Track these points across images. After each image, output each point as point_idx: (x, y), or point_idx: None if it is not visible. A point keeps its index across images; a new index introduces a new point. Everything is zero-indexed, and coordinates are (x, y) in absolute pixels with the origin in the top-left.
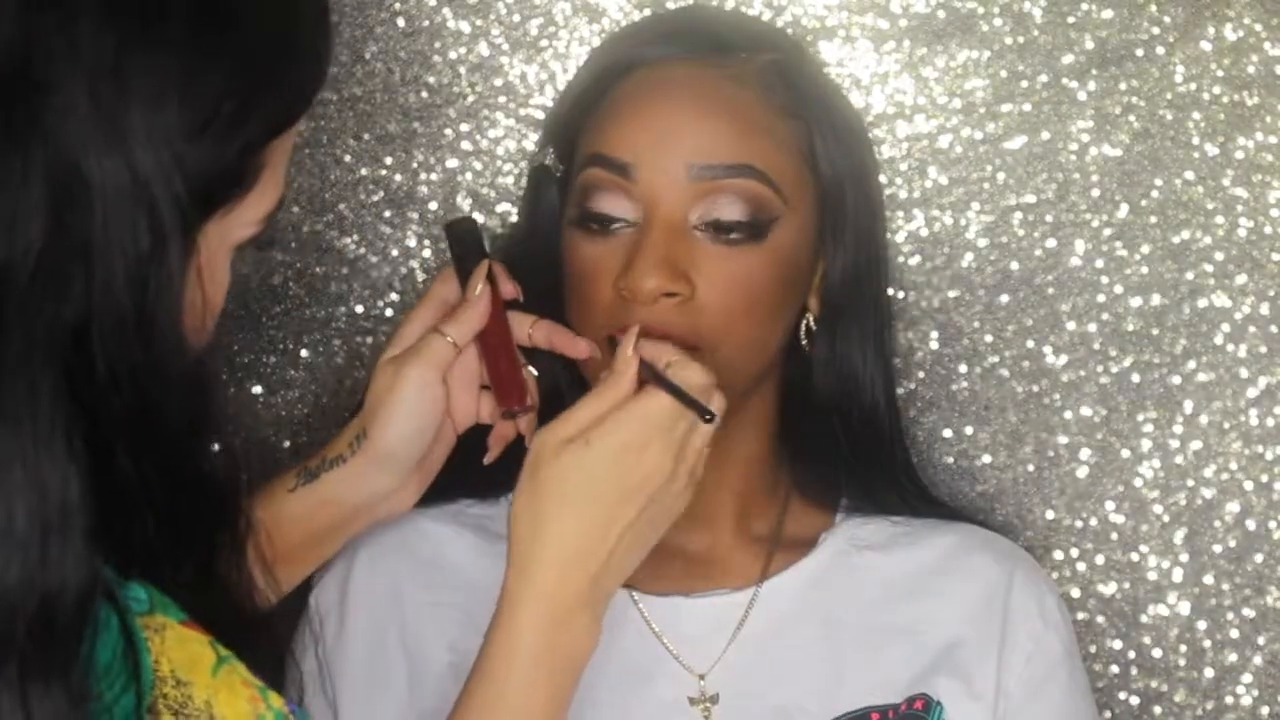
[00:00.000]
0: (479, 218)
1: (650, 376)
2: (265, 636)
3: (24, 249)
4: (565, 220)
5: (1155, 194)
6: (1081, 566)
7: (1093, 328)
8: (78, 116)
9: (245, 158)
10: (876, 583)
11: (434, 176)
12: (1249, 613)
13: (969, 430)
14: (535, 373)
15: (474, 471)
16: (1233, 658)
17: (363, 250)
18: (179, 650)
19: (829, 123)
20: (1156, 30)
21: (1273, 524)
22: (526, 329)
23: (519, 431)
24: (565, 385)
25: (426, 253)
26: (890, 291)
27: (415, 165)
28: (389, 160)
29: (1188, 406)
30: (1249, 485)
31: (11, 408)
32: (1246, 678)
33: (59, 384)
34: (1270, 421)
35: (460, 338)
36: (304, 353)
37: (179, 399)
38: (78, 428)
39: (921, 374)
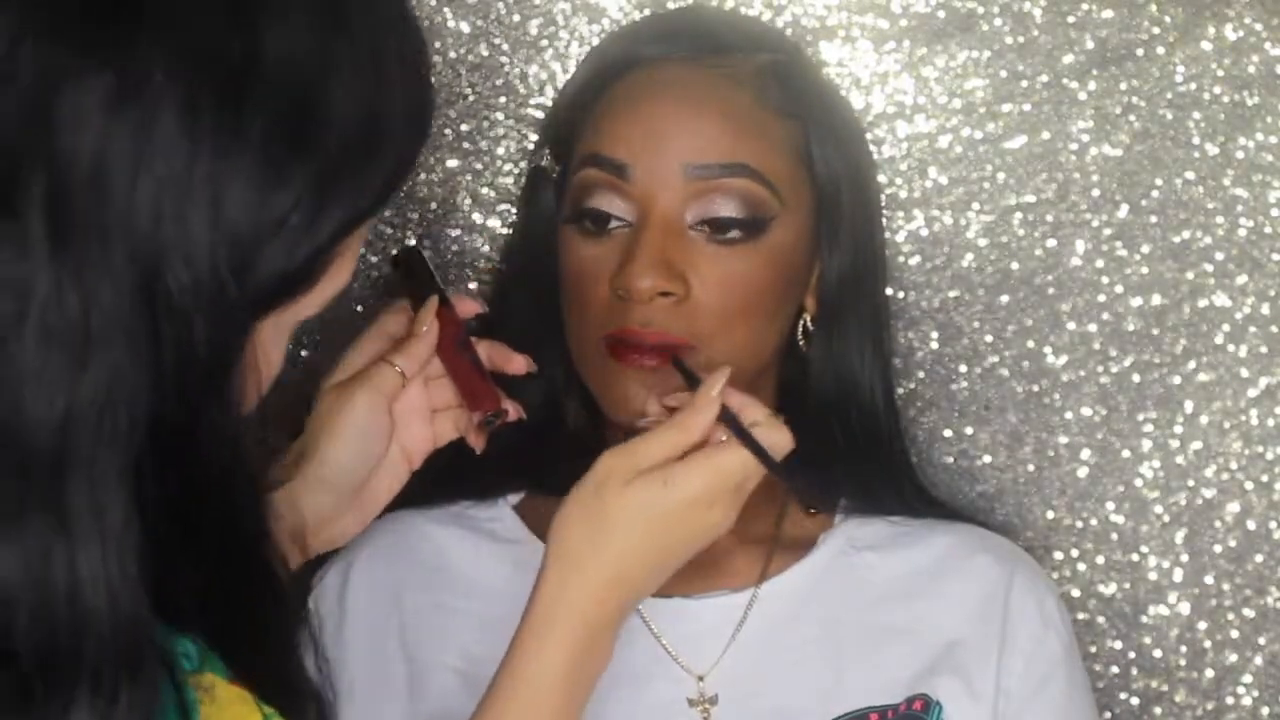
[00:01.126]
0: (478, 218)
1: (734, 430)
2: (312, 708)
3: (99, 374)
4: (561, 220)
5: (1155, 194)
6: (1082, 567)
7: (1093, 328)
8: (145, 230)
9: (315, 259)
10: (875, 583)
11: (434, 176)
12: (1249, 613)
13: (969, 430)
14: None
15: (473, 473)
16: (1233, 658)
17: (363, 250)
18: (226, 712)
19: (826, 123)
20: (1157, 30)
21: (1273, 524)
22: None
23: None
24: (562, 390)
25: (426, 253)
26: (890, 291)
27: (415, 165)
28: None
29: (1188, 406)
30: (1249, 485)
31: (85, 535)
32: (1247, 678)
33: (129, 503)
34: (1271, 421)
35: (409, 368)
36: (304, 353)
37: (236, 504)
38: (145, 548)
39: (921, 374)
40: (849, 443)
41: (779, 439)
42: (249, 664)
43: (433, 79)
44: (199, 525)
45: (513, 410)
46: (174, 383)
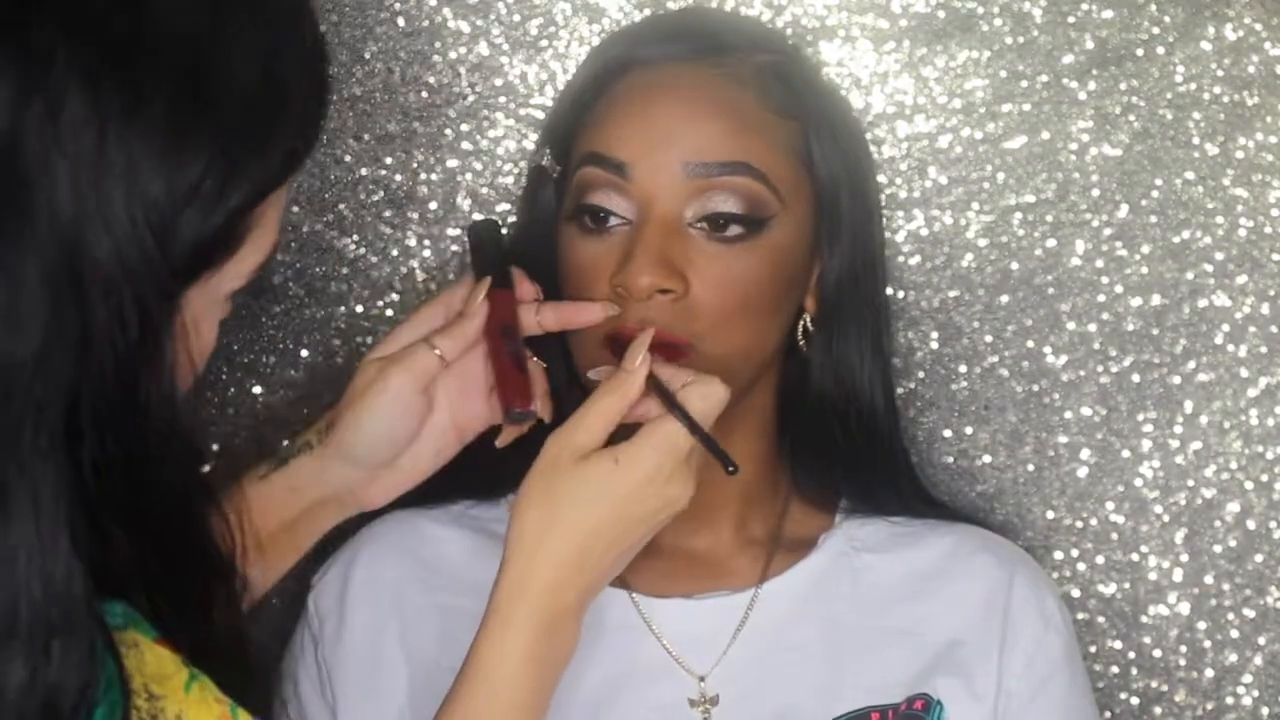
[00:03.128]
0: (478, 218)
1: (660, 396)
2: (241, 662)
3: (26, 350)
4: (561, 219)
5: (1155, 194)
6: (1081, 567)
7: (1093, 328)
8: (65, 208)
9: (230, 224)
10: (876, 584)
11: (434, 176)
12: (1249, 613)
13: (969, 430)
14: (543, 365)
15: (475, 472)
16: (1233, 658)
17: (363, 250)
18: (152, 666)
19: (826, 124)
20: (1156, 30)
21: (1273, 524)
22: (534, 318)
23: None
24: (564, 389)
25: (426, 252)
26: (890, 291)
27: (415, 165)
28: (389, 160)
29: (1188, 406)
30: (1249, 485)
31: (17, 503)
32: (1247, 678)
33: (60, 473)
34: (1270, 421)
35: (449, 352)
36: (304, 353)
37: (174, 471)
38: (80, 514)
39: (921, 374)
40: (848, 443)
41: (715, 391)
42: (183, 631)
43: (431, 79)
44: (136, 492)
45: (543, 412)
46: (104, 353)
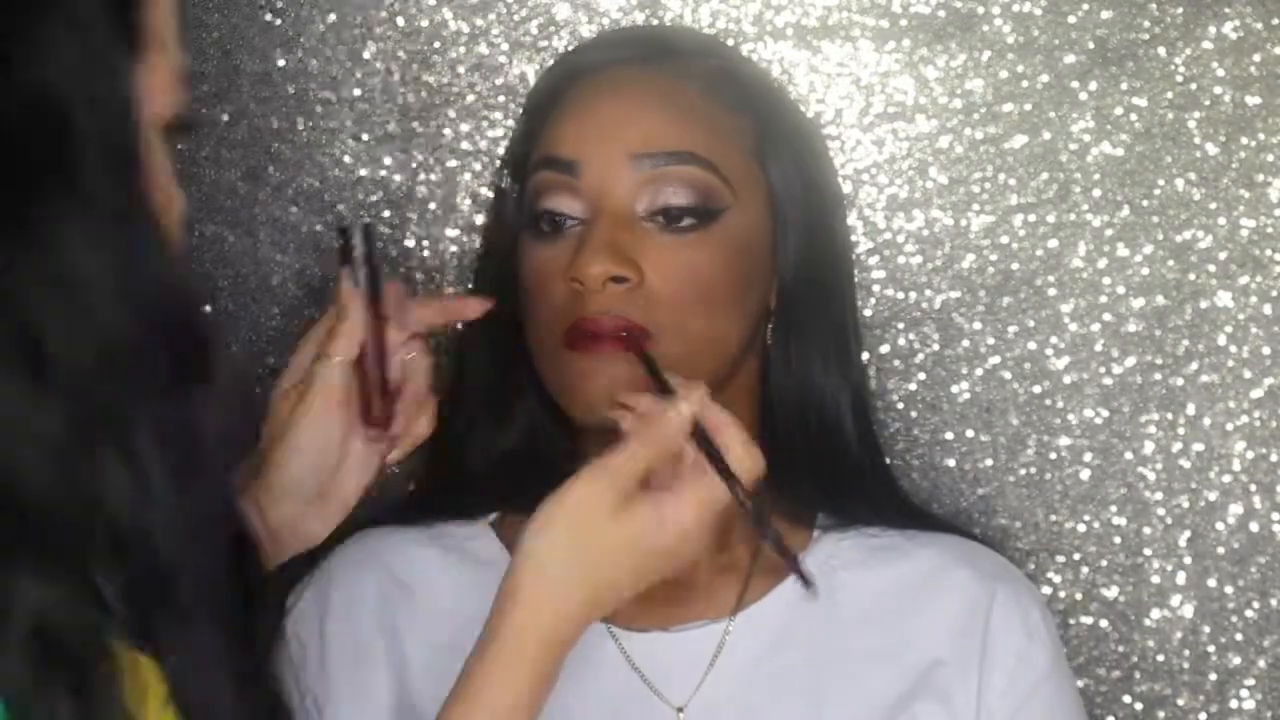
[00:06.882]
0: (478, 218)
1: (710, 458)
2: None
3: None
4: (521, 233)
5: (1157, 194)
6: (1084, 570)
7: (1095, 329)
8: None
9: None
10: (854, 604)
11: (433, 177)
12: (1252, 616)
13: (970, 433)
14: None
15: (456, 492)
16: (1236, 661)
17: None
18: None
19: (778, 122)
20: (1157, 30)
21: (1277, 526)
22: (414, 319)
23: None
24: (537, 413)
25: (425, 253)
26: (890, 292)
27: (414, 165)
28: (388, 160)
29: (1190, 408)
30: (1253, 487)
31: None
32: (1250, 681)
33: None
34: (1274, 423)
35: (345, 350)
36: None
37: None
38: None
39: (922, 376)
40: (810, 452)
41: (749, 464)
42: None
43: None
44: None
45: (385, 437)
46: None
